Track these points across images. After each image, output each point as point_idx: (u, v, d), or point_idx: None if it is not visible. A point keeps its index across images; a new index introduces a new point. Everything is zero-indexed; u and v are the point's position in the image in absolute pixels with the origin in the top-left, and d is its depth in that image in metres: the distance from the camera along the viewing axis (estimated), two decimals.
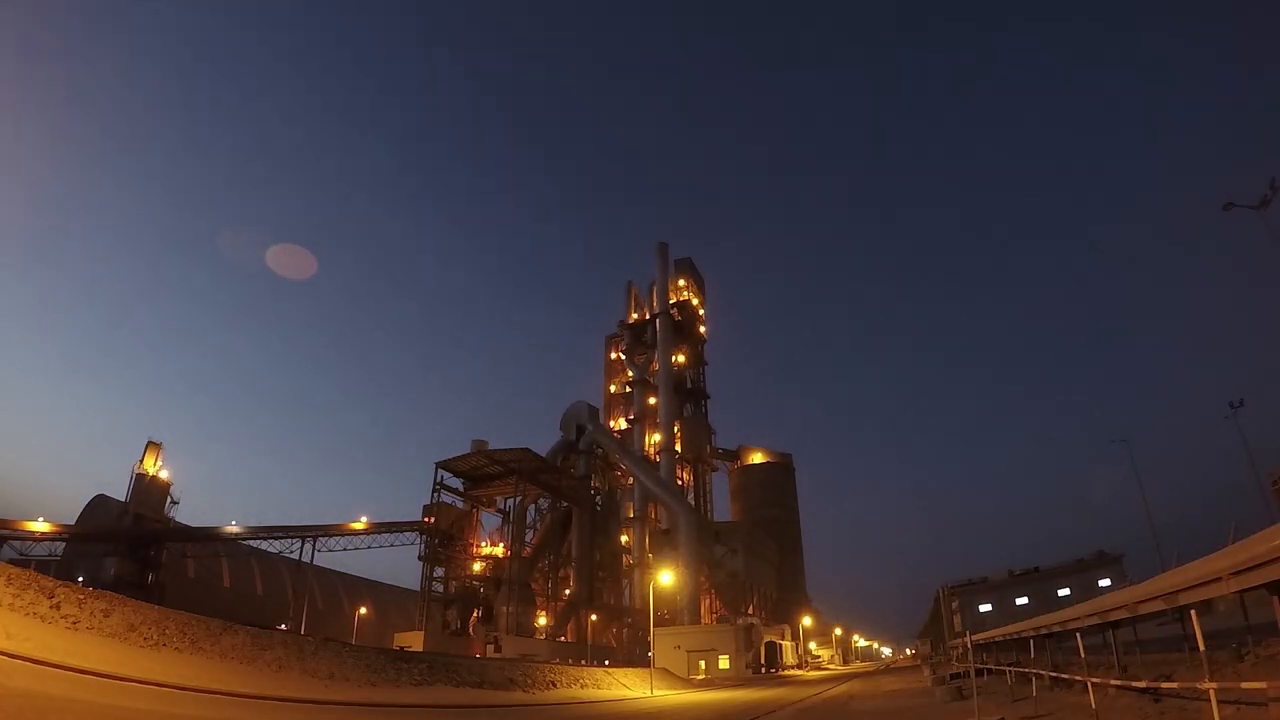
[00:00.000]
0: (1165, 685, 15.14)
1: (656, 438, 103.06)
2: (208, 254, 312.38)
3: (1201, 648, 11.62)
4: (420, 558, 75.97)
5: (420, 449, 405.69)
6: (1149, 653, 28.46)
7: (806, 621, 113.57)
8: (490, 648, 62.57)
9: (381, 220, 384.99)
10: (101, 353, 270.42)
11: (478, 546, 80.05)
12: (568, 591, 77.06)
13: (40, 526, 75.10)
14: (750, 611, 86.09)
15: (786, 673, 77.32)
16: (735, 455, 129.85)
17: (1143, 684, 15.28)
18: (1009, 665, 28.74)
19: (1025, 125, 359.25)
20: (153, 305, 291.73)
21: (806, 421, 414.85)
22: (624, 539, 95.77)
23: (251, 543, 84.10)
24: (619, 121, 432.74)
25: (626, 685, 41.89)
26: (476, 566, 78.44)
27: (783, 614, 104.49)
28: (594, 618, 77.52)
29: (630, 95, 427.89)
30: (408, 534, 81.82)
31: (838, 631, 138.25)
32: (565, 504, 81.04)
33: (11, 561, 60.80)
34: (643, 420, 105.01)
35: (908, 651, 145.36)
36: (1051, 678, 20.82)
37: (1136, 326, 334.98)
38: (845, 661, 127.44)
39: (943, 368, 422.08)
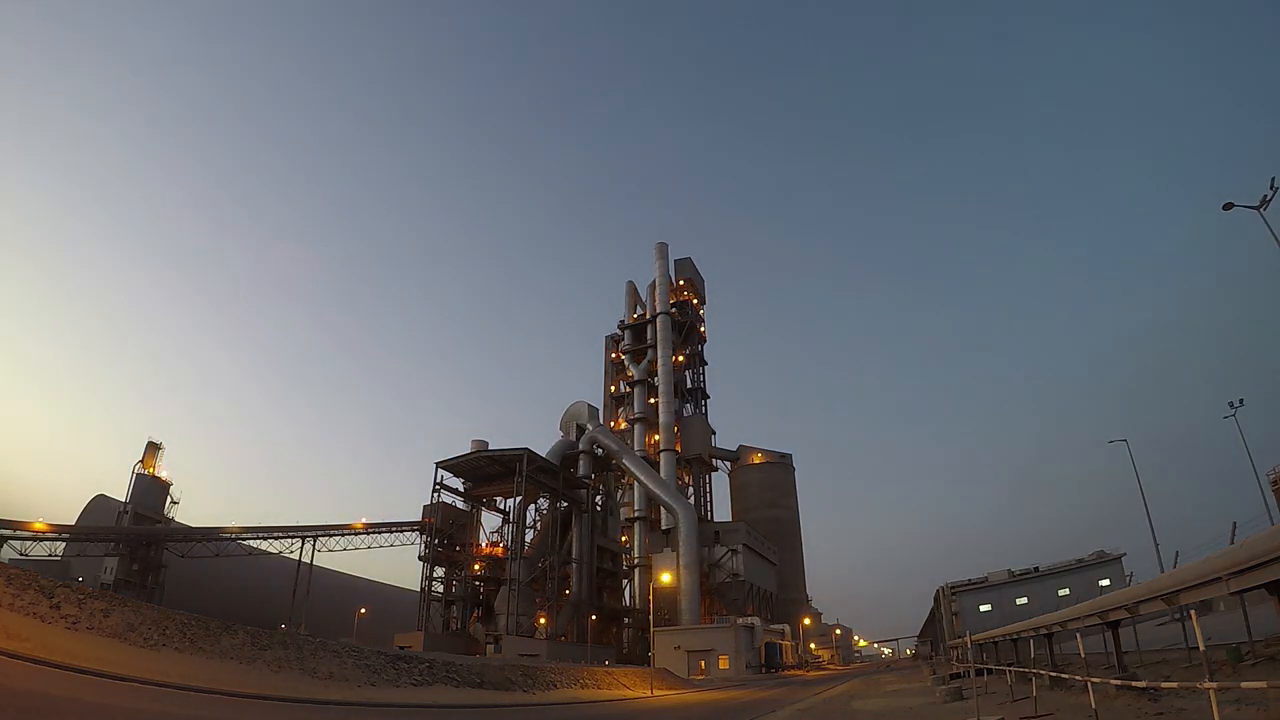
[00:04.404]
0: (1165, 685, 15.13)
1: (656, 438, 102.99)
2: (208, 253, 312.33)
3: (1202, 648, 11.61)
4: (420, 558, 76.05)
5: (420, 449, 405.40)
6: (1149, 652, 28.51)
7: (806, 621, 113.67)
8: (490, 648, 62.56)
9: (381, 220, 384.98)
10: (101, 353, 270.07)
11: (478, 547, 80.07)
12: (568, 591, 77.03)
13: (40, 526, 75.02)
14: (750, 611, 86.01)
15: (786, 673, 77.33)
16: (735, 455, 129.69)
17: (1142, 684, 15.29)
18: (1009, 665, 28.75)
19: (1027, 123, 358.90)
20: (153, 305, 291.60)
21: (806, 421, 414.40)
22: (624, 539, 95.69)
23: (251, 543, 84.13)
24: (620, 121, 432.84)
25: (626, 685, 41.88)
26: (476, 566, 78.46)
27: (783, 614, 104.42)
28: (594, 618, 77.51)
29: (631, 95, 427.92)
30: (408, 534, 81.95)
31: (837, 631, 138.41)
32: (565, 504, 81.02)
33: (11, 561, 60.95)
34: (643, 420, 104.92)
35: (907, 651, 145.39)
36: (1051, 677, 20.83)
37: (1136, 325, 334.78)
38: (845, 661, 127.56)
39: (943, 367, 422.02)
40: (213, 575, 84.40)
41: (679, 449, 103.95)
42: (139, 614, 19.79)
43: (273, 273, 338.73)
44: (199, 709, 15.03)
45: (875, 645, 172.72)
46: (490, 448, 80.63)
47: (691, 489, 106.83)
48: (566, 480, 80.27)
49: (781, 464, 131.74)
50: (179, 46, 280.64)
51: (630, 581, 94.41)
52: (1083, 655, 17.61)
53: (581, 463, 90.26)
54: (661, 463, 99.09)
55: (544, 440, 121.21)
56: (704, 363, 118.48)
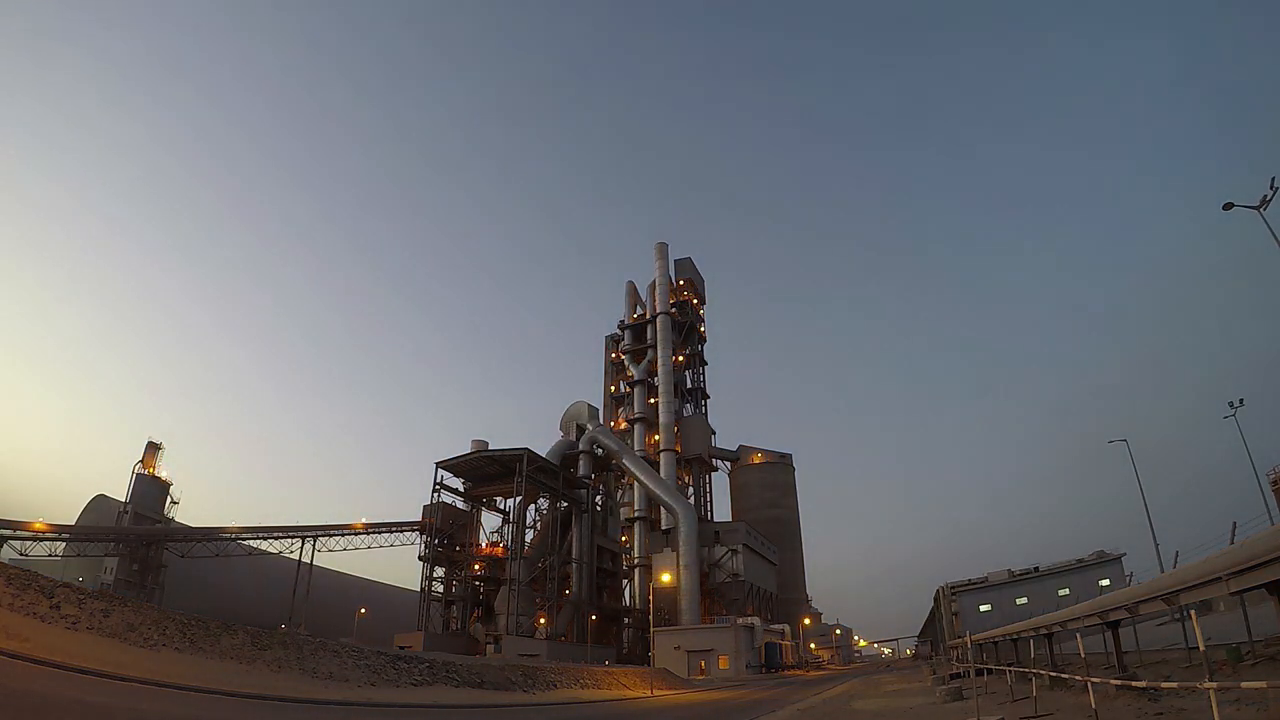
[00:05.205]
0: (1165, 685, 15.16)
1: (656, 438, 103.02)
2: (207, 253, 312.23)
3: (1202, 648, 11.62)
4: (420, 558, 76.11)
5: (420, 449, 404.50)
6: (1149, 652, 28.52)
7: (806, 621, 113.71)
8: (490, 648, 62.58)
9: (381, 220, 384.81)
10: (101, 353, 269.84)
11: (478, 547, 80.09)
12: (568, 591, 77.06)
13: (40, 526, 75.05)
14: (750, 611, 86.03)
15: (786, 673, 77.37)
16: (735, 455, 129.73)
17: (1142, 684, 15.31)
18: (1009, 665, 28.76)
19: (1028, 121, 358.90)
20: (152, 305, 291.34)
21: (806, 421, 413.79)
22: (624, 539, 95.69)
23: (251, 543, 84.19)
24: (620, 121, 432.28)
25: (626, 685, 41.93)
26: (476, 566, 78.49)
27: (783, 614, 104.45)
28: (594, 618, 77.53)
29: (631, 94, 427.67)
30: (408, 534, 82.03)
31: (837, 631, 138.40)
32: (565, 504, 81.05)
33: (11, 561, 60.95)
34: (643, 420, 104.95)
35: (907, 651, 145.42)
36: (1051, 677, 20.85)
37: (1136, 325, 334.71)
38: (845, 661, 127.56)
39: (943, 367, 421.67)
40: (213, 575, 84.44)
41: (679, 449, 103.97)
42: (139, 614, 19.80)
43: (276, 271, 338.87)
44: (199, 709, 15.03)
45: (875, 645, 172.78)
46: (490, 448, 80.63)
47: (691, 489, 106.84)
48: (566, 480, 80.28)
49: (781, 464, 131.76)
50: (199, 44, 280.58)
51: (630, 581, 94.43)
52: (1083, 655, 17.64)
53: (581, 463, 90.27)
54: (661, 463, 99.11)
55: (544, 440, 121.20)
56: (704, 363, 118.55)
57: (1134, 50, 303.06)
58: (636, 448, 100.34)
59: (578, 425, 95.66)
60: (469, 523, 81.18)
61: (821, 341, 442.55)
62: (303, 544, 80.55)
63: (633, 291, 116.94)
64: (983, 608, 62.54)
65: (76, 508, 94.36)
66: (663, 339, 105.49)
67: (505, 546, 78.26)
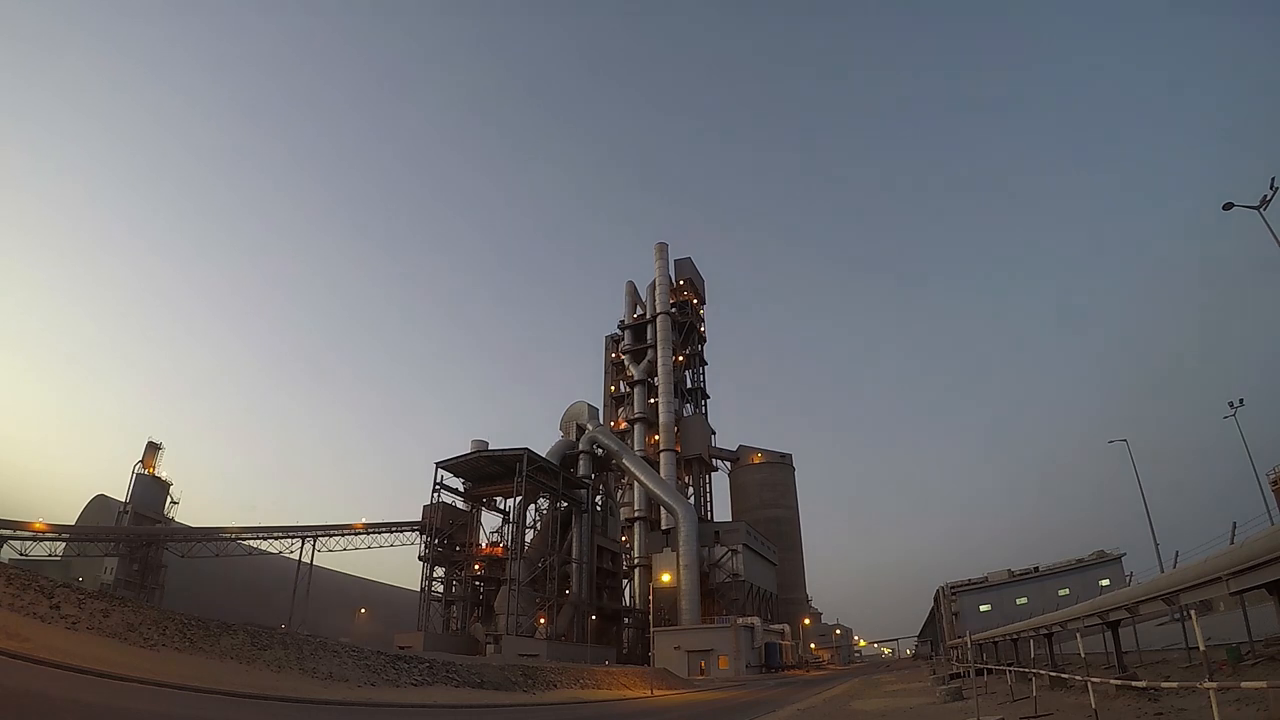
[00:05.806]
0: (1165, 685, 15.17)
1: (656, 438, 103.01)
2: (207, 253, 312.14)
3: (1202, 647, 11.62)
4: (420, 558, 76.12)
5: (420, 449, 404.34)
6: (1149, 652, 28.52)
7: (806, 622, 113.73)
8: (490, 648, 62.58)
9: (380, 220, 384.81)
10: (101, 353, 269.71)
11: (478, 547, 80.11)
12: (568, 591, 77.07)
13: (40, 526, 75.03)
14: (750, 611, 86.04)
15: (786, 673, 77.39)
16: (735, 455, 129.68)
17: (1142, 684, 15.32)
18: (1009, 665, 28.78)
19: (1028, 119, 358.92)
20: (154, 302, 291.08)
21: (806, 421, 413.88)
22: (624, 539, 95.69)
23: (251, 543, 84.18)
24: (620, 121, 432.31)
25: (627, 685, 41.95)
26: (477, 566, 78.51)
27: (783, 614, 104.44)
28: (594, 618, 77.45)
29: (632, 95, 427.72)
30: (408, 534, 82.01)
31: (837, 631, 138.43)
32: (565, 504, 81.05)
33: (11, 561, 60.95)
34: (643, 420, 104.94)
35: (907, 651, 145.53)
36: (1051, 677, 20.87)
37: (1136, 325, 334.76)
38: (845, 661, 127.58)
39: (943, 367, 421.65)
40: (213, 575, 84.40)
41: (679, 449, 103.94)
42: (139, 614, 19.82)
43: (277, 269, 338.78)
44: (199, 709, 15.04)
45: (875, 645, 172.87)
46: (490, 448, 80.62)
47: (691, 489, 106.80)
48: (566, 480, 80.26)
49: (781, 464, 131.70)
50: (206, 33, 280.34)
51: (630, 581, 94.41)
52: (1083, 655, 17.66)
53: (581, 463, 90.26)
54: (661, 463, 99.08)
55: (544, 440, 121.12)
56: (704, 363, 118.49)
57: (1134, 49, 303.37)
58: (636, 448, 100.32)
59: (578, 425, 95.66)
60: (469, 523, 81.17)
61: (821, 341, 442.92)
62: (302, 544, 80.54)
63: (633, 291, 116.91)
64: (983, 608, 62.56)
65: (76, 508, 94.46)
66: (663, 339, 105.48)
67: (505, 546, 78.23)
